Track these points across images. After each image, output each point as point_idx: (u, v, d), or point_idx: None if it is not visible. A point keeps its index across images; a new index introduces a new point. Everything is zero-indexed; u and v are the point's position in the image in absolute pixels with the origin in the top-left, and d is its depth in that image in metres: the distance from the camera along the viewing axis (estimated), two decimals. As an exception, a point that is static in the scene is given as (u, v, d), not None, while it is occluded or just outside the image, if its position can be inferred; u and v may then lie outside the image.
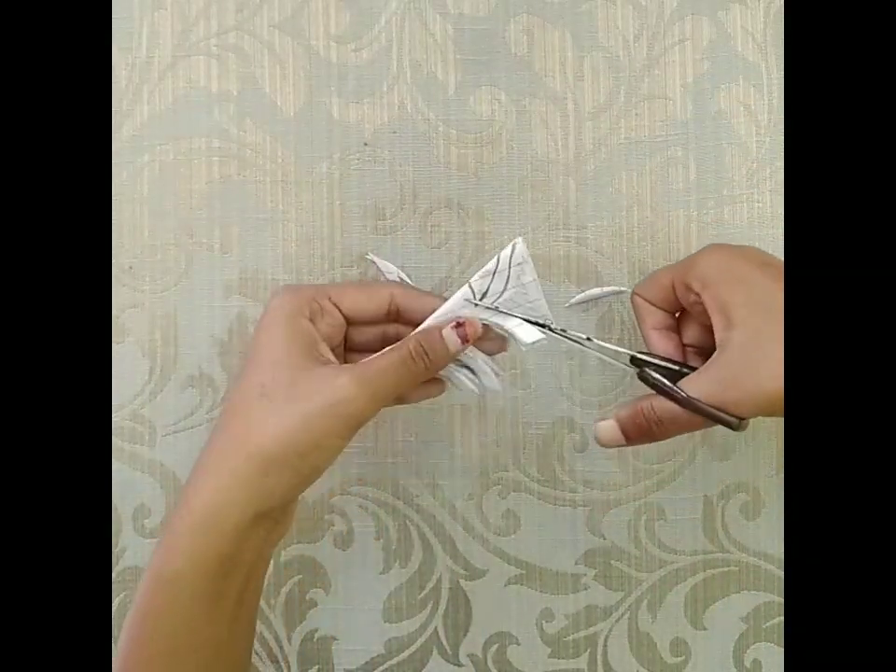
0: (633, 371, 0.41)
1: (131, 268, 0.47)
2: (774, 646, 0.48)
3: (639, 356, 0.41)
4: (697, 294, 0.40)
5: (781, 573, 0.48)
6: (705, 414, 0.38)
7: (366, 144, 0.47)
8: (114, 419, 0.47)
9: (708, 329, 0.40)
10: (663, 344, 0.42)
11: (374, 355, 0.39)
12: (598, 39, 0.48)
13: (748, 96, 0.48)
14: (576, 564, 0.48)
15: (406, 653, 0.48)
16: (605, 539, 0.48)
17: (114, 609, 0.47)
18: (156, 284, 0.47)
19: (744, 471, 0.48)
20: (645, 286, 0.43)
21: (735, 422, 0.38)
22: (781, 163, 0.48)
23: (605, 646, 0.48)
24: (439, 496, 0.48)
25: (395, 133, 0.47)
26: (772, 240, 0.48)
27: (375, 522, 0.48)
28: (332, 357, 0.39)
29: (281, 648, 0.48)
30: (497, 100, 0.47)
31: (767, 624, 0.48)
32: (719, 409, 0.37)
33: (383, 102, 0.47)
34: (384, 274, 0.47)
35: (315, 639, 0.48)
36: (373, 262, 0.47)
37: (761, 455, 0.48)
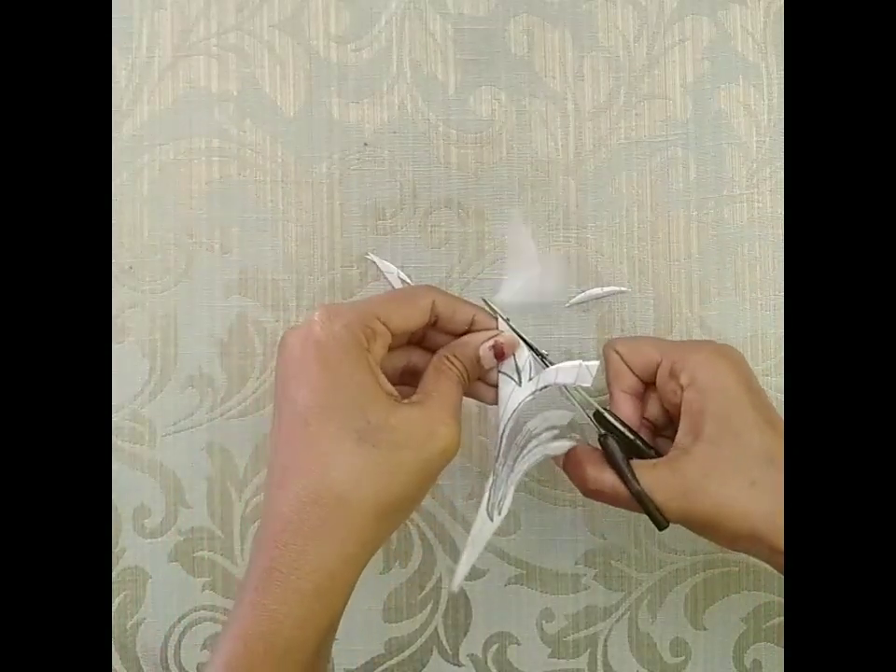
0: (594, 427, 0.41)
1: (131, 268, 0.47)
2: (774, 646, 0.48)
3: (605, 415, 0.40)
4: (681, 387, 0.40)
5: (781, 573, 0.48)
6: (644, 507, 0.38)
7: (366, 144, 0.47)
8: (114, 419, 0.46)
9: (668, 414, 0.41)
10: (628, 410, 0.42)
11: (437, 382, 0.38)
12: (598, 39, 0.48)
13: (748, 96, 0.48)
14: (576, 564, 0.48)
15: (406, 653, 0.48)
16: (605, 539, 0.48)
17: (114, 609, 0.47)
18: (156, 284, 0.47)
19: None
20: (629, 349, 0.42)
21: (665, 525, 0.38)
22: (781, 163, 0.48)
23: (605, 646, 0.48)
24: (439, 496, 0.48)
25: (395, 133, 0.47)
26: (772, 240, 0.48)
27: (375, 522, 0.48)
28: (391, 387, 0.37)
29: (281, 648, 0.48)
30: (496, 100, 0.47)
31: (767, 624, 0.48)
32: (658, 508, 0.38)
33: (383, 102, 0.47)
34: (384, 274, 0.47)
35: (315, 639, 0.48)
36: (373, 262, 0.47)
37: (761, 454, 0.48)
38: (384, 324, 0.37)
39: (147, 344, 0.47)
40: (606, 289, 0.47)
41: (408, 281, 0.47)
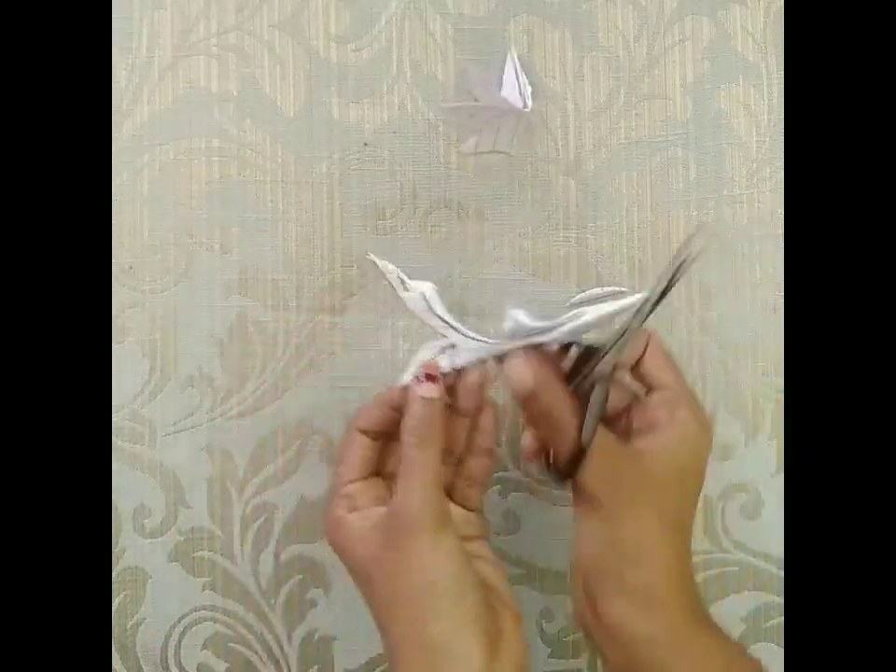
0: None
1: (131, 268, 0.47)
2: (774, 646, 0.48)
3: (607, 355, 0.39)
4: (665, 420, 0.39)
5: (781, 573, 0.48)
6: (573, 459, 0.37)
7: (366, 144, 0.47)
8: (114, 419, 0.46)
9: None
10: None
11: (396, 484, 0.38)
12: (598, 39, 0.48)
13: (748, 96, 0.48)
14: (576, 564, 0.48)
15: (406, 653, 0.48)
16: (605, 539, 0.48)
17: (114, 609, 0.47)
18: (156, 284, 0.47)
19: (744, 471, 0.48)
20: (655, 351, 0.41)
21: (565, 481, 0.37)
22: (781, 163, 0.48)
23: (605, 646, 0.48)
24: (439, 496, 0.48)
25: (395, 132, 0.47)
26: (772, 240, 0.48)
27: (375, 522, 0.48)
28: (383, 509, 0.39)
29: (281, 648, 0.48)
30: (497, 100, 0.47)
31: (767, 624, 0.48)
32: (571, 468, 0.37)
33: (383, 102, 0.47)
34: (384, 274, 0.47)
35: (315, 639, 0.48)
36: (373, 262, 0.47)
37: (761, 455, 0.48)
38: (350, 481, 0.40)
39: (147, 344, 0.47)
40: (606, 289, 0.47)
41: (408, 281, 0.47)
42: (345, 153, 0.47)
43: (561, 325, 0.38)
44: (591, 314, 0.38)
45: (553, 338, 0.38)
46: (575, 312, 0.39)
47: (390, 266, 0.47)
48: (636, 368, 0.40)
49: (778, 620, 0.48)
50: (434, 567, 0.36)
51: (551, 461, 0.40)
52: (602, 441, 0.37)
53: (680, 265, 0.37)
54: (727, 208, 0.48)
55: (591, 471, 0.37)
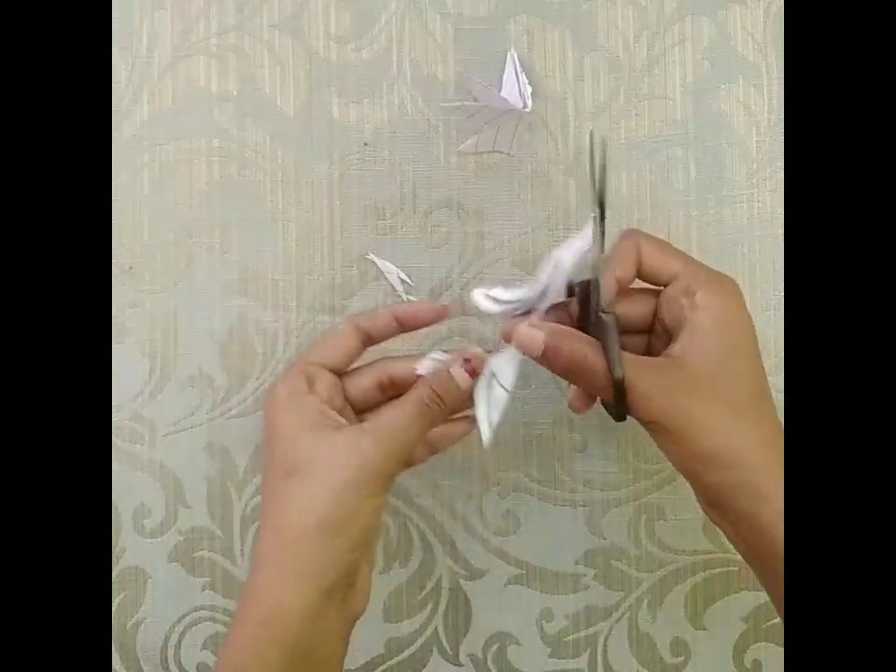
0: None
1: (131, 268, 0.47)
2: (774, 646, 0.48)
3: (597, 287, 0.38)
4: (695, 304, 0.38)
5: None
6: (616, 396, 0.36)
7: (366, 144, 0.47)
8: (114, 419, 0.46)
9: (649, 322, 0.40)
10: (611, 295, 0.39)
11: (386, 407, 0.39)
12: (598, 39, 0.48)
13: (748, 96, 0.48)
14: (576, 564, 0.48)
15: (406, 653, 0.48)
16: (605, 539, 0.48)
17: (114, 608, 0.47)
18: (156, 284, 0.47)
19: (744, 471, 0.48)
20: (652, 247, 0.40)
21: (624, 417, 0.37)
22: (781, 163, 0.48)
23: (605, 646, 0.48)
24: (439, 496, 0.48)
25: (395, 133, 0.47)
26: (772, 240, 0.48)
27: (375, 522, 0.48)
28: (343, 420, 0.39)
29: (281, 648, 0.48)
30: (497, 100, 0.47)
31: (767, 624, 0.48)
32: (630, 404, 0.36)
33: (383, 102, 0.47)
34: (384, 274, 0.47)
35: (314, 639, 0.48)
36: (373, 262, 0.47)
37: (761, 455, 0.48)
38: (319, 364, 0.40)
39: (147, 344, 0.47)
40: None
41: (408, 281, 0.47)
42: (345, 153, 0.47)
43: (542, 284, 0.39)
44: (564, 257, 0.38)
45: (540, 297, 0.39)
46: (550, 264, 0.39)
47: (391, 266, 0.47)
48: (642, 274, 0.40)
49: (778, 620, 0.48)
50: (360, 512, 0.37)
51: (604, 405, 0.40)
52: (636, 369, 0.36)
53: (602, 172, 0.38)
54: (727, 208, 0.48)
55: (640, 403, 0.36)
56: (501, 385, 0.39)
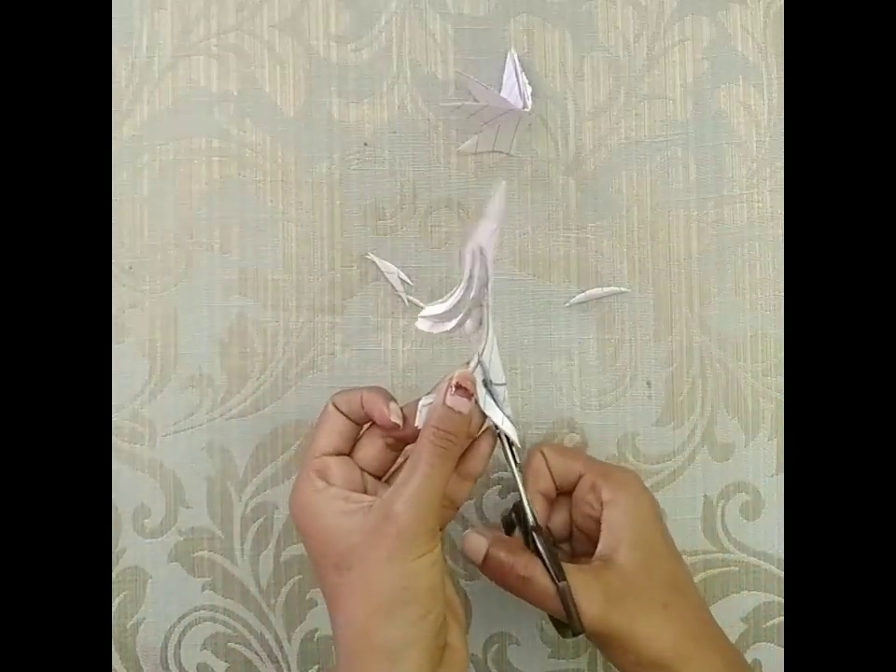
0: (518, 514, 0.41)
1: (131, 268, 0.47)
2: (774, 646, 0.48)
3: (527, 511, 0.40)
4: (600, 502, 0.41)
5: (781, 573, 0.48)
6: (565, 608, 0.38)
7: (366, 144, 0.47)
8: (114, 419, 0.46)
9: (571, 526, 0.43)
10: (541, 511, 0.43)
11: (404, 467, 0.38)
12: (598, 39, 0.48)
13: (748, 96, 0.48)
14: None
15: (406, 653, 0.48)
16: (605, 539, 0.48)
17: (114, 609, 0.47)
18: (156, 284, 0.47)
19: (744, 471, 0.48)
20: (555, 455, 0.44)
21: (580, 631, 0.38)
22: (781, 163, 0.48)
23: (605, 646, 0.48)
24: (439, 496, 0.48)
25: (395, 133, 0.47)
26: (772, 240, 0.48)
27: (375, 522, 0.48)
28: (368, 498, 0.38)
29: (281, 648, 0.48)
30: (497, 100, 0.47)
31: (767, 624, 0.48)
32: (577, 612, 0.38)
33: (383, 102, 0.47)
34: (384, 274, 0.47)
35: (315, 639, 0.48)
36: (373, 262, 0.47)
37: (761, 454, 0.48)
38: (324, 454, 0.40)
39: (147, 344, 0.47)
40: (606, 290, 0.47)
41: (408, 281, 0.47)
42: (345, 153, 0.47)
43: (468, 278, 0.38)
44: (483, 243, 0.38)
45: (470, 290, 0.38)
46: (470, 255, 0.38)
47: (391, 266, 0.47)
48: (554, 480, 0.43)
49: (778, 620, 0.48)
50: (416, 575, 0.36)
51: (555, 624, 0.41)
52: (576, 576, 0.39)
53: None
54: (727, 208, 0.48)
55: (586, 612, 0.38)
56: (497, 384, 0.39)
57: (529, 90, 0.46)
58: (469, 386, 0.38)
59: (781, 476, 0.48)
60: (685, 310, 0.48)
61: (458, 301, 0.39)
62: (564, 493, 0.44)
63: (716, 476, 0.48)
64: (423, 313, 0.39)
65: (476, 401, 0.38)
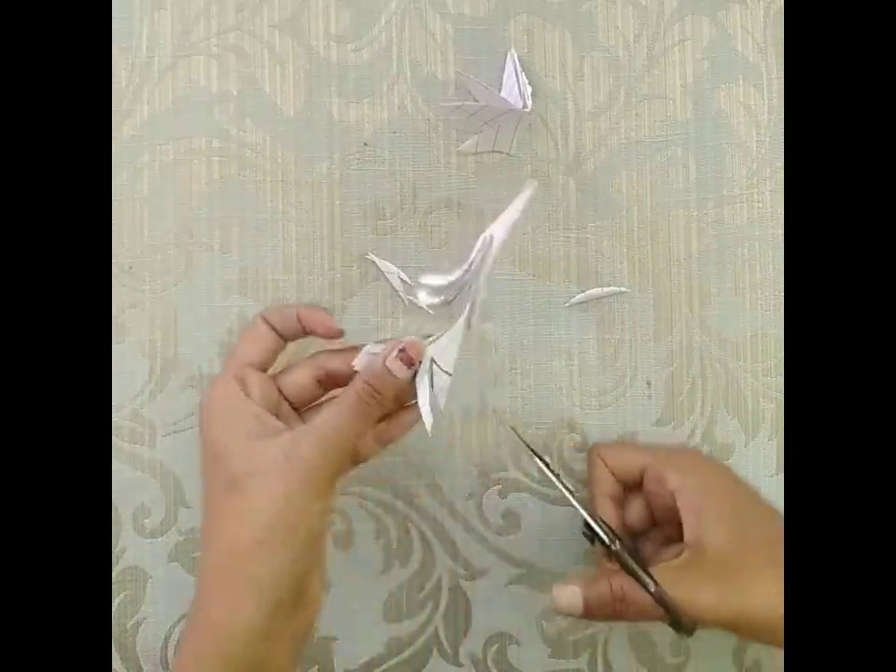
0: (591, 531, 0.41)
1: (131, 268, 0.47)
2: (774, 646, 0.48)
3: (593, 525, 0.40)
4: (669, 492, 0.41)
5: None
6: (667, 610, 0.37)
7: (366, 144, 0.47)
8: (114, 419, 0.46)
9: (652, 518, 0.43)
10: (610, 514, 0.42)
11: (323, 406, 0.38)
12: (598, 39, 0.48)
13: (748, 96, 0.48)
14: (576, 564, 0.48)
15: (406, 653, 0.48)
16: (605, 538, 0.48)
17: (114, 609, 0.47)
18: (156, 284, 0.47)
19: (744, 471, 0.48)
20: (613, 454, 0.43)
21: (691, 627, 0.38)
22: (781, 163, 0.48)
23: (605, 646, 0.48)
24: (439, 496, 0.48)
25: (395, 133, 0.47)
26: (772, 240, 0.48)
27: (375, 522, 0.48)
28: (280, 424, 0.38)
29: (281, 648, 0.48)
30: (497, 100, 0.47)
31: (767, 624, 0.48)
32: (681, 609, 0.37)
33: (383, 102, 0.47)
34: (384, 274, 0.47)
35: (315, 639, 0.48)
36: (373, 262, 0.47)
37: (761, 454, 0.48)
38: (248, 364, 0.39)
39: (147, 344, 0.47)
40: (606, 290, 0.47)
41: (408, 281, 0.47)
42: (345, 153, 0.47)
43: (472, 260, 0.39)
44: (497, 232, 0.38)
45: (470, 273, 0.39)
46: (481, 241, 0.39)
47: (391, 266, 0.47)
48: (618, 480, 0.43)
49: (778, 620, 0.48)
50: (307, 517, 0.36)
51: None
52: (671, 580, 0.38)
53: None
54: (727, 208, 0.48)
55: (696, 607, 0.37)
56: (443, 370, 0.39)
57: (529, 90, 0.46)
58: (415, 355, 0.38)
59: (781, 476, 0.48)
60: (685, 310, 0.48)
61: (454, 281, 0.39)
62: (633, 487, 0.43)
63: (716, 476, 0.48)
64: (422, 279, 0.40)
65: (416, 373, 0.38)
